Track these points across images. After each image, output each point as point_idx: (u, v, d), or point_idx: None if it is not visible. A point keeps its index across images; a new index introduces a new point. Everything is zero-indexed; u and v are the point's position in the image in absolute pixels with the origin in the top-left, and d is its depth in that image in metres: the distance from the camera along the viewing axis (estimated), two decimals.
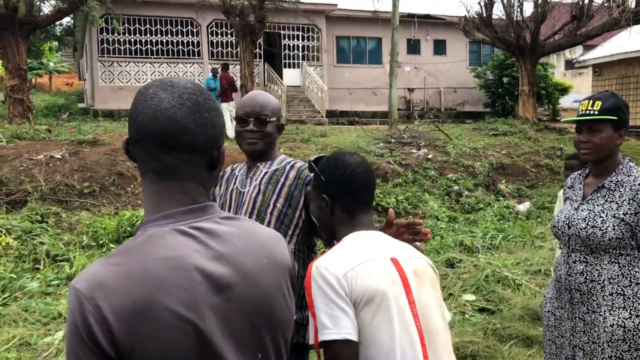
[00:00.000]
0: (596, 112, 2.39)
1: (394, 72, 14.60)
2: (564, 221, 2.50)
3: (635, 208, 2.30)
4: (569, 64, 25.80)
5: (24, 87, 11.91)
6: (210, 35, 18.46)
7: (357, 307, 1.47)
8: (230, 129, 13.27)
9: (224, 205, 2.27)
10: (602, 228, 2.33)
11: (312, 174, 1.77)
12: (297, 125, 15.24)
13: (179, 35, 18.13)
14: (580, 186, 2.55)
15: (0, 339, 4.17)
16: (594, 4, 14.77)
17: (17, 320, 4.57)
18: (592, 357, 2.38)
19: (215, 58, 18.28)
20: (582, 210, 2.44)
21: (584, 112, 2.42)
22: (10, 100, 11.82)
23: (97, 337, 0.96)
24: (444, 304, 1.65)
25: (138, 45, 17.70)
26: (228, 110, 13.35)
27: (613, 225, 2.31)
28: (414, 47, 21.51)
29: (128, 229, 6.99)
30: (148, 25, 17.76)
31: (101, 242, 6.77)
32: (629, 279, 2.32)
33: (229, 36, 18.47)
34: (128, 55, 17.63)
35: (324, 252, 1.65)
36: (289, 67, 19.58)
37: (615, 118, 2.36)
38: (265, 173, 2.21)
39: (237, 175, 2.29)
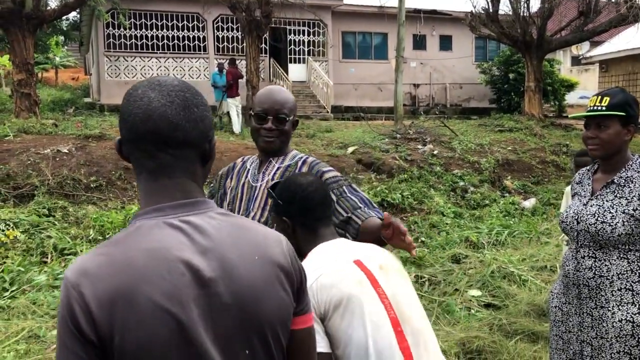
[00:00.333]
0: (604, 108, 2.39)
1: (399, 68, 14.58)
2: (572, 216, 2.50)
3: None
4: (575, 60, 25.69)
5: (31, 81, 11.93)
6: (216, 31, 18.46)
7: (327, 316, 1.53)
8: (237, 124, 13.28)
9: (235, 198, 2.26)
10: (611, 224, 2.34)
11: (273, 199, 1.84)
12: (302, 120, 15.24)
13: (185, 30, 18.14)
14: (589, 182, 2.55)
15: (10, 331, 4.21)
16: (601, 0, 14.70)
17: (25, 312, 4.62)
18: (600, 352, 2.38)
19: (221, 53, 18.28)
20: (591, 206, 2.44)
21: (592, 108, 2.43)
22: (17, 95, 11.85)
23: (80, 323, 0.99)
24: (411, 286, 1.77)
25: (144, 40, 17.72)
26: (234, 106, 13.35)
27: (622, 220, 2.32)
28: (420, 43, 21.46)
29: None
30: (154, 20, 17.77)
31: (108, 236, 6.80)
32: (638, 274, 2.32)
33: (234, 31, 18.46)
34: (134, 50, 17.65)
35: None
36: (295, 62, 19.57)
37: (623, 114, 2.36)
38: (278, 168, 2.20)
39: (249, 169, 2.28)
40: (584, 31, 14.81)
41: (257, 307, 1.11)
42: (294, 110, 2.24)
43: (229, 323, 1.08)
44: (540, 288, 5.05)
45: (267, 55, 18.64)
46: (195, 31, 18.26)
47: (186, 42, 18.14)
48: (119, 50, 17.51)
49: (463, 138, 12.47)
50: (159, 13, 17.76)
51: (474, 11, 16.24)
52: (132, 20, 17.34)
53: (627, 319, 2.31)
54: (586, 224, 2.42)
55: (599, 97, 2.45)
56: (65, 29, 25.58)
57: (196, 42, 18.25)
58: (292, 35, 19.43)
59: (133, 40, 17.61)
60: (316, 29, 19.59)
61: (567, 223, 2.53)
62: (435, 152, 11.35)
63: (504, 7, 16.06)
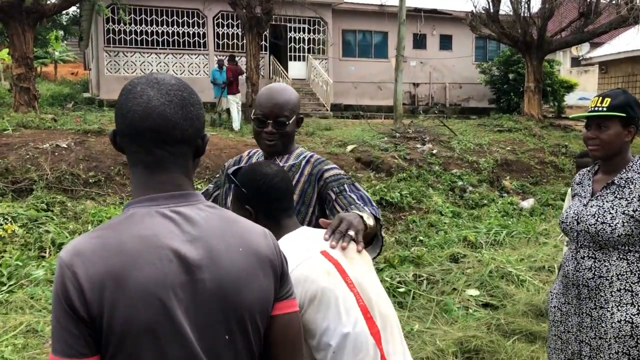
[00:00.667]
0: (604, 109, 2.40)
1: (400, 67, 14.57)
2: (572, 217, 2.51)
3: None
4: (575, 61, 25.71)
5: (30, 75, 11.90)
6: (216, 27, 18.43)
7: (302, 308, 1.55)
8: (237, 121, 13.27)
9: None
10: (611, 224, 2.34)
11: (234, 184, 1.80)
12: None
13: (185, 27, 18.11)
14: (589, 182, 2.56)
15: (8, 326, 4.20)
16: (601, 1, 14.70)
17: (23, 307, 4.61)
18: (599, 353, 2.39)
19: (220, 50, 18.26)
20: (591, 207, 2.45)
21: (593, 108, 2.44)
22: (17, 89, 11.82)
23: (73, 302, 1.05)
24: (374, 272, 1.80)
25: (144, 36, 17.68)
26: (235, 102, 13.33)
27: (622, 221, 2.32)
28: (420, 42, 21.44)
29: None
30: (154, 16, 17.74)
31: None
32: (637, 275, 2.33)
33: (234, 28, 18.44)
34: (134, 46, 17.62)
35: None
36: (295, 60, 19.55)
37: (624, 115, 2.36)
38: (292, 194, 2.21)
39: None
40: (584, 32, 14.81)
41: (239, 295, 1.16)
42: (295, 109, 2.19)
43: (212, 309, 1.14)
44: (538, 288, 5.06)
45: (267, 52, 18.62)
46: (195, 27, 18.23)
47: (186, 38, 18.11)
48: (119, 45, 17.47)
49: (462, 138, 12.48)
50: (159, 9, 17.73)
51: (474, 11, 16.23)
52: (132, 15, 17.30)
53: (626, 319, 2.31)
54: (586, 224, 2.43)
55: (600, 98, 2.46)
56: (64, 23, 25.50)
57: (196, 38, 18.23)
58: (293, 32, 19.41)
59: (133, 35, 17.58)
60: (316, 26, 19.57)
61: (567, 223, 2.53)
62: (434, 152, 11.36)
63: (505, 7, 16.05)
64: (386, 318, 1.69)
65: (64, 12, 17.51)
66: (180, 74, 17.96)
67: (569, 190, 4.56)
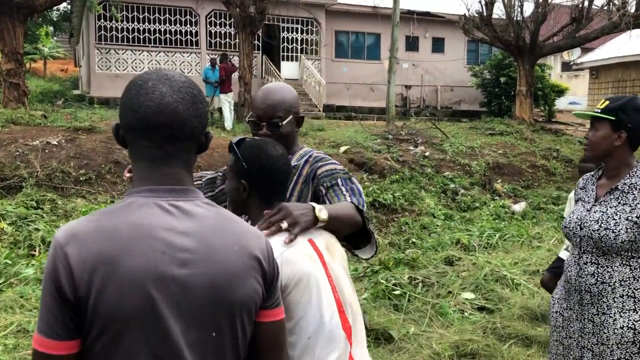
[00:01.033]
0: (598, 111, 2.43)
1: (393, 69, 14.58)
2: (576, 222, 2.50)
3: None
4: (566, 66, 25.90)
5: (20, 71, 11.75)
6: (208, 26, 18.35)
7: (286, 290, 1.56)
8: (229, 120, 13.20)
9: None
10: (614, 230, 2.33)
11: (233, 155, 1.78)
12: None
13: (178, 25, 18.00)
14: (592, 187, 2.55)
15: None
16: (593, 7, 14.80)
17: (13, 306, 4.53)
18: (601, 359, 2.38)
19: (213, 48, 18.17)
20: (594, 212, 2.44)
21: (593, 110, 2.48)
22: (6, 85, 11.66)
23: (61, 283, 1.06)
24: (347, 267, 1.82)
25: (136, 34, 17.55)
26: (227, 102, 13.27)
27: (626, 227, 2.31)
28: (412, 44, 21.49)
29: None
30: (146, 14, 17.62)
31: None
32: None
33: (227, 27, 18.36)
34: (125, 43, 17.48)
35: None
36: (288, 60, 19.51)
37: (613, 118, 2.37)
38: (289, 180, 2.16)
39: None
40: (576, 37, 14.91)
41: (230, 293, 1.17)
42: (292, 108, 2.13)
43: (201, 304, 1.14)
44: (532, 292, 5.06)
45: (260, 52, 18.56)
46: (188, 26, 18.13)
47: (178, 36, 18.01)
48: (110, 42, 17.34)
49: (454, 140, 12.50)
50: (151, 6, 17.61)
51: (467, 14, 16.28)
52: (124, 12, 17.17)
53: (629, 325, 2.31)
54: (589, 230, 2.42)
55: (603, 100, 2.49)
56: (55, 19, 25.27)
57: (188, 36, 18.13)
58: (286, 32, 19.37)
59: (125, 33, 17.45)
60: (309, 27, 19.55)
61: (570, 229, 2.52)
62: (426, 154, 11.37)
63: (498, 11, 16.12)
64: (356, 315, 1.72)
65: (54, 7, 17.33)
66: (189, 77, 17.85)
67: (570, 194, 4.57)
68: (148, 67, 17.65)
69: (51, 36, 28.64)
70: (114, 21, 16.85)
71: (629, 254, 2.34)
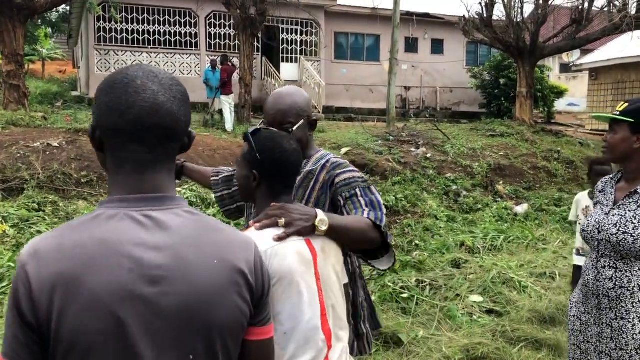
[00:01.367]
0: (617, 113, 2.41)
1: (393, 70, 14.57)
2: (594, 225, 2.47)
3: None
4: (564, 67, 25.95)
5: (20, 73, 11.71)
6: (208, 27, 18.31)
7: (271, 282, 1.55)
8: (229, 122, 13.17)
9: None
10: (633, 234, 2.31)
11: (247, 145, 1.80)
12: None
13: (177, 26, 17.96)
14: (611, 190, 2.53)
15: (1, 332, 4.08)
16: (594, 8, 14.81)
17: None
18: None
19: (212, 50, 18.14)
20: (613, 216, 2.42)
21: (613, 112, 2.46)
22: (6, 86, 11.62)
23: (21, 304, 0.98)
24: (342, 270, 1.83)
25: (135, 35, 17.51)
26: (227, 103, 13.23)
27: None
28: (411, 46, 21.49)
29: None
30: (146, 15, 17.57)
31: None
32: None
33: (227, 28, 18.33)
34: (125, 45, 17.43)
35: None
36: (287, 61, 19.48)
37: (632, 120, 2.35)
38: (300, 173, 2.13)
39: None
40: (576, 39, 14.92)
41: (207, 313, 1.06)
42: (303, 112, 2.11)
43: (175, 326, 1.04)
44: (540, 295, 5.04)
45: (260, 53, 18.53)
46: (187, 27, 18.09)
47: (178, 37, 17.96)
48: (110, 44, 17.29)
49: (455, 142, 12.49)
50: (151, 7, 17.57)
51: (467, 16, 16.28)
52: (124, 14, 17.13)
53: None
54: (607, 233, 2.39)
55: (622, 102, 2.48)
56: (54, 20, 25.19)
57: (188, 38, 18.09)
58: (285, 34, 19.35)
59: (124, 34, 17.40)
60: (309, 28, 19.53)
61: (588, 232, 2.50)
62: (428, 155, 11.35)
63: (498, 13, 16.12)
64: (340, 320, 1.75)
65: (53, 9, 17.27)
66: (172, 74, 17.79)
67: (577, 196, 4.55)
68: None
69: (49, 37, 28.57)
70: (113, 22, 16.81)
71: None
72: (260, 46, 18.32)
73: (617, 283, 2.38)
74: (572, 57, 21.90)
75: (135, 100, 1.08)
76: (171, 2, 17.60)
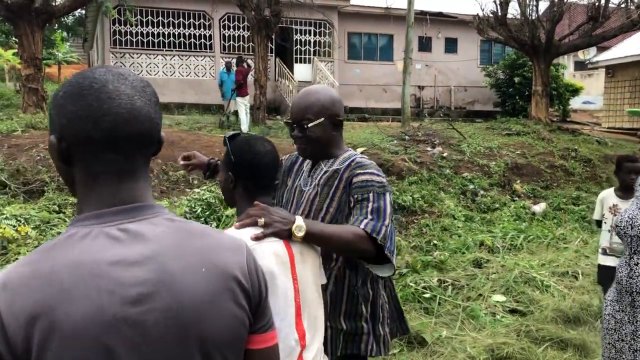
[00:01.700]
0: None
1: (407, 69, 14.53)
2: (627, 221, 2.46)
3: None
4: (579, 65, 25.71)
5: (39, 76, 11.84)
6: (222, 29, 18.39)
7: (267, 284, 1.59)
8: (245, 124, 13.22)
9: (288, 201, 2.21)
10: None
11: (227, 150, 1.88)
12: None
13: (192, 28, 18.06)
14: None
15: None
16: (611, 5, 14.67)
17: None
18: None
19: (227, 52, 18.22)
20: None
21: None
22: (25, 90, 11.76)
23: None
24: (320, 272, 1.88)
25: (150, 37, 17.63)
26: (243, 105, 13.28)
27: None
28: (425, 45, 21.42)
29: None
30: (161, 18, 17.69)
31: None
32: None
33: (241, 30, 18.40)
34: (140, 47, 17.57)
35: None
36: (300, 62, 19.51)
37: None
38: (325, 172, 2.11)
39: (304, 171, 2.22)
40: (593, 36, 14.77)
41: (201, 326, 0.98)
42: (324, 111, 2.10)
43: (168, 344, 0.96)
44: (563, 294, 5.00)
45: (273, 54, 18.58)
46: (202, 29, 18.19)
47: (192, 40, 18.06)
48: (125, 47, 17.43)
49: (471, 141, 12.43)
50: (165, 10, 17.69)
51: (481, 14, 16.20)
52: (139, 17, 17.26)
53: None
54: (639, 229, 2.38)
55: None
56: (70, 24, 25.44)
57: (202, 40, 18.18)
58: (299, 35, 19.37)
59: (139, 37, 17.53)
60: (322, 29, 19.54)
61: (622, 227, 2.49)
62: (444, 155, 11.31)
63: (512, 11, 16.02)
64: (315, 320, 1.79)
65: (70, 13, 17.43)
66: (186, 76, 17.92)
67: (600, 195, 4.52)
68: (162, 71, 17.72)
69: (65, 41, 28.85)
70: (128, 25, 16.94)
71: None
72: (274, 47, 18.37)
73: None
74: (588, 54, 21.71)
75: (110, 106, 0.99)
76: (186, 5, 17.71)
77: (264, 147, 1.83)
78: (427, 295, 4.88)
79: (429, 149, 11.67)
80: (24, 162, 8.32)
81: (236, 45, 18.47)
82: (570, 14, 16.27)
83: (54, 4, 12.03)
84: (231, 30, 18.49)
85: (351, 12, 19.91)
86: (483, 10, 16.20)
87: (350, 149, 2.22)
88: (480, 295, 4.96)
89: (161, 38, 17.72)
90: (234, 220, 1.85)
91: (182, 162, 2.53)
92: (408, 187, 9.56)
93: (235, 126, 13.47)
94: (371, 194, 1.98)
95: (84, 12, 19.88)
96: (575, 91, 20.09)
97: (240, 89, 13.18)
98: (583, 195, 10.40)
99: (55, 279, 0.91)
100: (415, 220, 8.55)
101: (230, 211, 7.48)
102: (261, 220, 1.69)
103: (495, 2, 15.58)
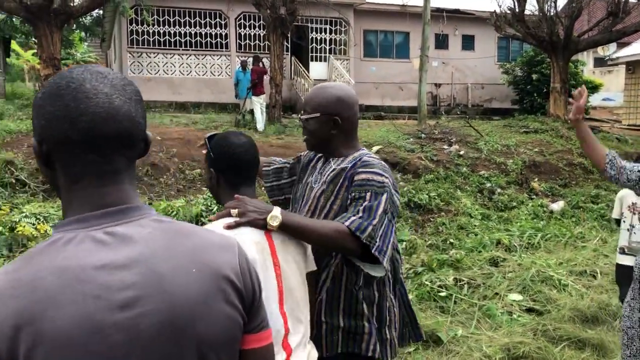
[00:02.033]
0: None
1: (424, 67, 14.46)
2: None
3: None
4: (599, 61, 25.36)
5: None
6: (238, 28, 18.46)
7: (260, 282, 1.61)
8: (260, 122, 13.26)
9: (300, 197, 2.22)
10: None
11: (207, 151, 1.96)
12: None
13: (208, 27, 18.15)
14: None
15: None
16: (631, 0, 14.44)
17: None
18: None
19: (242, 50, 18.28)
20: None
21: None
22: None
23: None
24: (304, 259, 1.91)
25: (167, 37, 17.75)
26: (258, 103, 13.32)
27: None
28: (442, 42, 21.28)
29: None
30: (177, 17, 17.81)
31: None
32: None
33: (257, 29, 18.45)
34: (157, 47, 17.70)
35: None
36: (316, 60, 19.50)
37: None
38: (333, 170, 2.10)
39: (317, 168, 2.22)
40: (613, 32, 14.56)
41: (194, 328, 0.96)
42: (320, 108, 2.10)
43: (160, 348, 0.94)
44: (581, 293, 4.94)
45: (289, 53, 18.60)
46: (218, 28, 18.27)
47: (208, 39, 18.15)
48: (142, 46, 17.57)
49: (488, 139, 12.33)
50: (182, 10, 17.80)
51: (499, 11, 16.05)
52: (156, 16, 17.39)
53: None
54: None
55: None
56: (87, 24, 25.74)
57: (218, 39, 18.26)
58: (314, 33, 19.37)
59: (156, 36, 17.66)
60: (338, 27, 19.51)
61: None
62: (461, 153, 11.23)
63: (530, 7, 15.83)
64: (298, 306, 1.82)
65: (88, 13, 17.63)
66: (203, 75, 18.02)
67: (619, 193, 4.45)
68: (179, 71, 17.84)
69: (83, 41, 29.18)
70: (145, 25, 17.08)
71: None
72: (289, 46, 18.39)
73: None
74: (608, 50, 21.40)
75: (88, 106, 0.96)
76: (202, 4, 17.80)
77: (238, 140, 1.92)
78: (442, 294, 4.85)
79: (445, 146, 11.60)
80: None
81: (252, 44, 18.53)
82: (590, 9, 16.05)
83: (72, 4, 12.17)
84: (247, 29, 18.55)
85: (367, 9, 19.85)
86: (500, 6, 16.05)
87: (363, 148, 2.19)
88: (497, 294, 4.93)
89: (178, 37, 17.84)
90: None
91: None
92: (424, 186, 9.51)
93: (251, 125, 13.52)
94: (368, 194, 1.95)
95: (101, 12, 20.07)
96: (595, 88, 19.80)
97: (255, 88, 13.21)
98: (602, 193, 10.27)
99: (39, 286, 0.89)
100: (431, 219, 8.51)
101: None
102: (234, 211, 1.76)
103: None
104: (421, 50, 14.69)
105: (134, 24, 17.25)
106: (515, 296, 4.85)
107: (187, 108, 16.71)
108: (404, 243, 6.82)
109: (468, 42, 21.75)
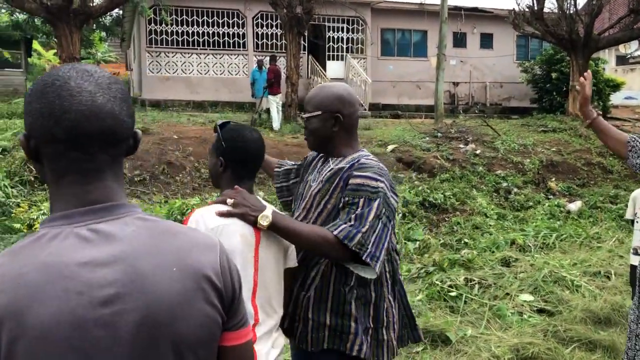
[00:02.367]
0: None
1: (441, 66, 14.38)
2: None
3: None
4: (620, 60, 24.97)
5: None
6: (255, 27, 18.54)
7: (241, 280, 1.66)
8: (276, 121, 13.32)
9: (299, 195, 2.25)
10: None
11: (216, 135, 2.03)
12: None
13: (225, 27, 18.26)
14: None
15: None
16: None
17: None
18: None
19: (260, 50, 18.36)
20: None
21: None
22: None
23: None
24: (285, 256, 1.98)
25: (185, 36, 17.90)
26: (275, 102, 13.38)
27: None
28: (460, 41, 21.14)
29: (178, 217, 7.09)
30: (195, 17, 17.94)
31: None
32: None
33: (274, 28, 18.51)
34: (175, 46, 17.85)
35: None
36: (333, 59, 19.49)
37: None
38: (331, 170, 2.11)
39: (317, 168, 2.24)
40: (634, 29, 14.33)
41: (173, 326, 0.98)
42: (320, 106, 2.11)
43: (137, 346, 0.95)
44: (594, 295, 4.89)
45: (306, 52, 18.63)
46: (235, 28, 18.37)
47: (226, 38, 18.26)
48: (160, 46, 17.73)
49: (506, 138, 12.22)
50: (200, 9, 17.93)
51: (517, 9, 15.89)
52: (174, 16, 17.54)
53: None
54: None
55: None
56: (107, 24, 26.07)
57: (236, 38, 18.36)
58: (331, 32, 19.37)
59: (174, 36, 17.82)
60: (355, 25, 19.49)
61: None
62: (477, 152, 11.15)
63: (549, 5, 15.64)
64: (270, 301, 1.89)
65: (107, 13, 17.86)
66: (220, 74, 18.13)
67: (633, 194, 4.39)
68: (197, 70, 17.98)
69: (103, 41, 29.55)
70: (163, 25, 17.24)
71: None
72: (306, 45, 18.43)
73: None
74: (630, 48, 21.05)
75: (71, 103, 0.98)
76: (219, 4, 17.91)
77: (251, 135, 2.00)
78: (453, 294, 4.84)
79: (461, 146, 11.53)
80: None
81: (269, 43, 18.60)
82: (611, 6, 15.82)
83: (91, 5, 12.34)
84: (264, 28, 18.62)
85: (384, 8, 19.79)
86: (519, 4, 15.89)
87: (363, 149, 2.19)
88: (508, 294, 4.89)
89: (196, 37, 17.98)
90: None
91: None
92: (439, 185, 9.47)
93: (267, 124, 13.58)
94: (361, 200, 1.94)
95: (121, 12, 20.31)
96: (616, 86, 19.49)
97: (271, 87, 13.27)
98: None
99: (24, 281, 0.90)
100: (446, 218, 8.47)
101: None
102: (230, 200, 1.85)
103: None
104: (438, 48, 14.61)
105: (152, 24, 17.43)
106: (526, 296, 4.81)
107: (205, 107, 16.83)
108: (417, 242, 6.80)
109: (486, 41, 21.57)
